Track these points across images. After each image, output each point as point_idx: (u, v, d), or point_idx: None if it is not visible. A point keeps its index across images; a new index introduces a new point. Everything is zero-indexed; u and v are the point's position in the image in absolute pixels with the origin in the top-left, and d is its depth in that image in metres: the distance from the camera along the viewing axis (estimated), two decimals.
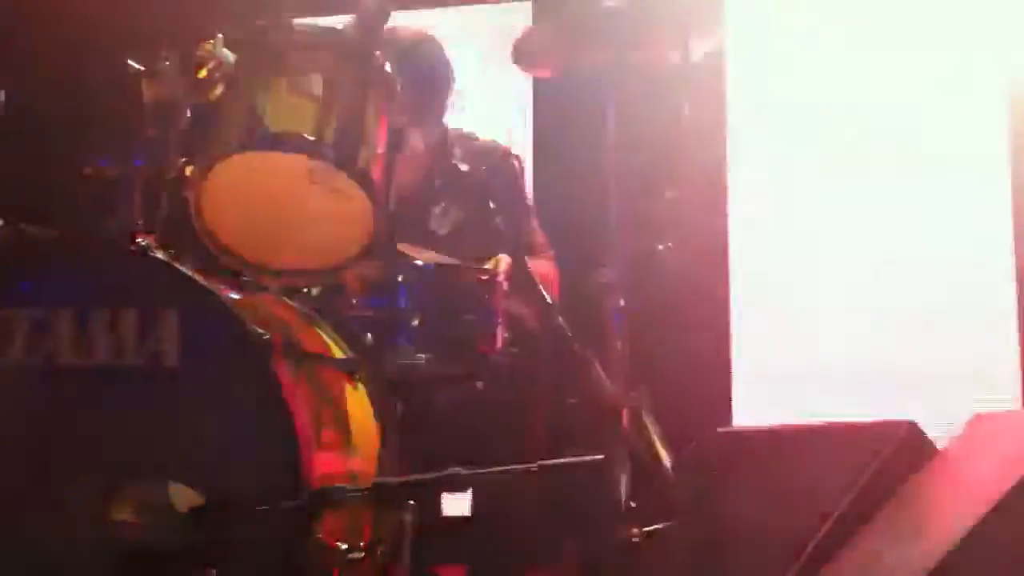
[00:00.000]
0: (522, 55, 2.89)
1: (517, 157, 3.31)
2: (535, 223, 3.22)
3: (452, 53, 3.59)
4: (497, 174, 3.19)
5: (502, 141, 3.40)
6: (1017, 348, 4.39)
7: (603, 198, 2.70)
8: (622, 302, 2.61)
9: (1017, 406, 4.27)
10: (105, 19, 4.58)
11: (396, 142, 2.48)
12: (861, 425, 3.36)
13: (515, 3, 4.90)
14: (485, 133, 3.44)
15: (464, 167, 3.30)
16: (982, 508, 2.63)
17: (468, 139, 3.37)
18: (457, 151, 3.32)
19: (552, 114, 4.65)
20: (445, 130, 3.26)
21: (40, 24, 4.50)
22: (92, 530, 2.03)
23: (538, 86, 4.75)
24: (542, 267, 2.99)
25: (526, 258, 2.65)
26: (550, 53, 2.83)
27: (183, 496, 2.06)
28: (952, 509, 2.79)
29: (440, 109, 3.24)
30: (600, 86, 2.80)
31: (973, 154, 4.53)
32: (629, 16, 2.66)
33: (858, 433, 3.23)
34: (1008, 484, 2.65)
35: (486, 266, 2.73)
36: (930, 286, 4.50)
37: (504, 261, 2.76)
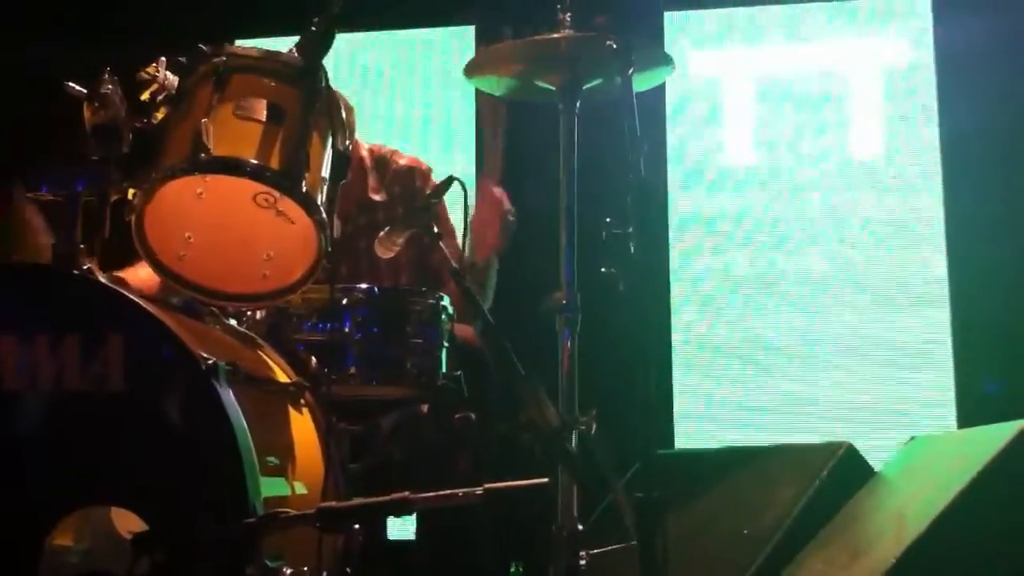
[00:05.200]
0: (475, 72, 2.91)
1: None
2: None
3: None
4: (415, 196, 3.21)
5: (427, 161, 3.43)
6: (953, 373, 4.47)
7: (553, 221, 2.73)
8: (571, 325, 2.64)
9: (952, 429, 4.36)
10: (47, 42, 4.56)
11: (340, 167, 2.48)
12: (801, 447, 3.42)
13: (459, 28, 4.94)
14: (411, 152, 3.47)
15: (377, 197, 3.31)
16: (919, 527, 2.68)
17: (387, 160, 3.37)
18: (372, 179, 3.33)
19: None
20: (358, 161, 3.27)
21: None
22: (34, 557, 2.01)
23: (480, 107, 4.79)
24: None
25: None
26: (504, 70, 2.86)
27: (126, 521, 2.04)
28: (890, 529, 2.83)
29: None
30: (548, 109, 2.84)
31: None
32: (578, 43, 2.70)
33: (798, 455, 3.28)
34: (942, 504, 2.70)
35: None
36: (868, 313, 4.58)
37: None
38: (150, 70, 2.44)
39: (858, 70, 4.71)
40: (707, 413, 4.65)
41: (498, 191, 3.14)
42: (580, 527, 2.55)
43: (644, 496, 2.15)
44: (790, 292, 4.66)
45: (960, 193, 4.54)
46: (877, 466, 3.23)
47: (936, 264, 4.54)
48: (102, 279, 2.24)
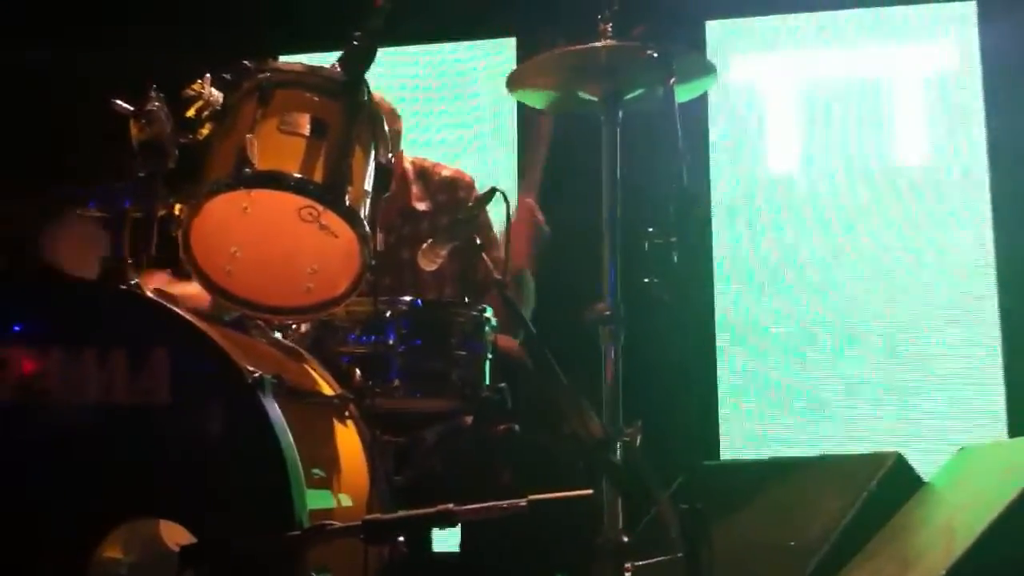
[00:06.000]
0: (518, 83, 2.92)
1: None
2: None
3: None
4: (458, 207, 3.22)
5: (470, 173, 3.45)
6: (1003, 383, 4.42)
7: (595, 232, 2.73)
8: (614, 336, 2.63)
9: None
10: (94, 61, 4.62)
11: (383, 179, 2.50)
12: (849, 457, 3.39)
13: (501, 40, 4.95)
14: (455, 164, 3.49)
15: (422, 206, 3.33)
16: (968, 539, 2.65)
17: (429, 172, 3.39)
18: (416, 189, 3.35)
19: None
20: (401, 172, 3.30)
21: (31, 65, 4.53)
22: (83, 569, 2.03)
23: (523, 120, 4.80)
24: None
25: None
26: (546, 82, 2.86)
27: (174, 534, 2.06)
28: (939, 541, 2.80)
29: None
30: (589, 121, 2.84)
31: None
32: (619, 53, 2.69)
33: (846, 466, 3.25)
34: (992, 516, 2.66)
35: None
36: (917, 322, 4.53)
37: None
38: (195, 87, 2.47)
39: (902, 77, 4.67)
40: (753, 423, 4.62)
41: (530, 202, 3.15)
42: (625, 539, 2.54)
43: (689, 508, 2.14)
44: (836, 301, 4.62)
45: (1007, 199, 4.49)
46: (926, 476, 3.19)
47: (985, 272, 4.49)
48: (149, 293, 2.26)
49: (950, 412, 4.42)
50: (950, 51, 4.65)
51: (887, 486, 3.08)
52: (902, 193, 4.61)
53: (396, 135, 3.17)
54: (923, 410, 4.45)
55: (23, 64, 4.39)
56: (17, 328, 2.14)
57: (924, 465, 3.25)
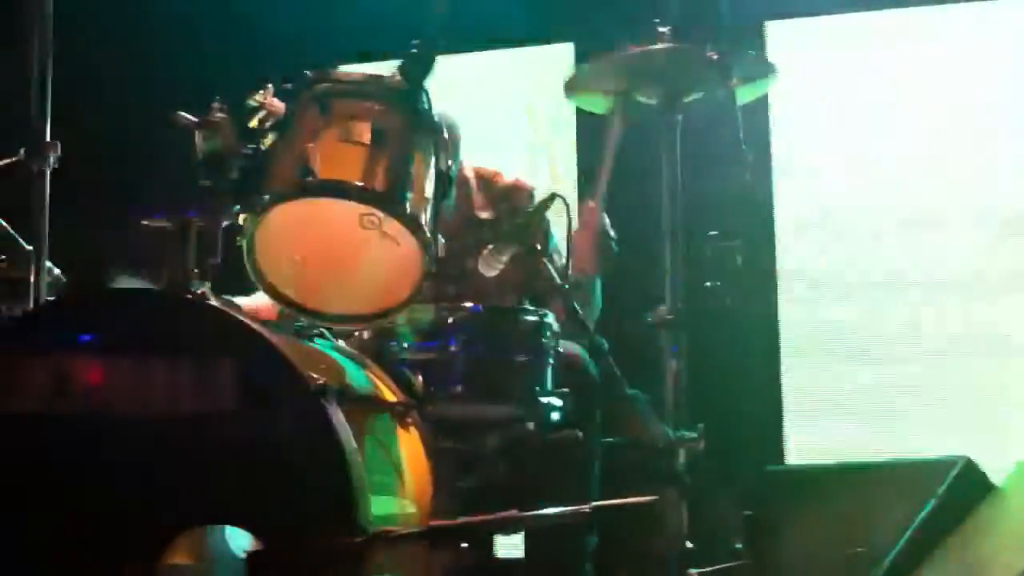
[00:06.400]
0: (575, 88, 2.91)
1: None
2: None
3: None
4: (520, 214, 3.22)
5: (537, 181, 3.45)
6: None
7: (657, 235, 2.71)
8: (676, 340, 2.61)
9: None
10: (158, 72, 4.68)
11: (444, 186, 2.50)
12: (918, 462, 3.34)
13: (558, 44, 4.94)
14: (514, 173, 3.49)
15: (484, 214, 3.33)
16: None
17: (490, 180, 3.40)
18: (478, 198, 3.36)
19: (597, 155, 4.68)
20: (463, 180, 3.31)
21: (96, 78, 4.59)
22: None
23: (582, 126, 4.79)
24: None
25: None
26: (604, 86, 2.85)
27: (240, 541, 2.08)
28: (1009, 547, 2.75)
29: None
30: (646, 125, 2.83)
31: None
32: (678, 56, 2.68)
33: (915, 470, 3.20)
34: None
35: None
36: (986, 322, 4.45)
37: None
38: (258, 97, 2.50)
39: (966, 75, 4.59)
40: (819, 428, 4.56)
41: (593, 208, 3.13)
42: (689, 545, 2.52)
43: (754, 514, 2.12)
44: (904, 302, 4.55)
45: None
46: (997, 481, 3.13)
47: None
48: (214, 303, 2.29)
49: (1022, 415, 4.33)
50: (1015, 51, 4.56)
51: (956, 491, 3.03)
52: (967, 192, 4.53)
53: (455, 145, 3.18)
54: (993, 414, 4.37)
55: (88, 76, 4.46)
56: (84, 339, 2.17)
57: (995, 470, 3.19)
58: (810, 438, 4.55)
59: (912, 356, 4.51)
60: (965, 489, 3.05)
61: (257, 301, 2.67)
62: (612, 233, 3.15)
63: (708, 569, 2.52)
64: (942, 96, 4.60)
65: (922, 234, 4.56)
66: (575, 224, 2.76)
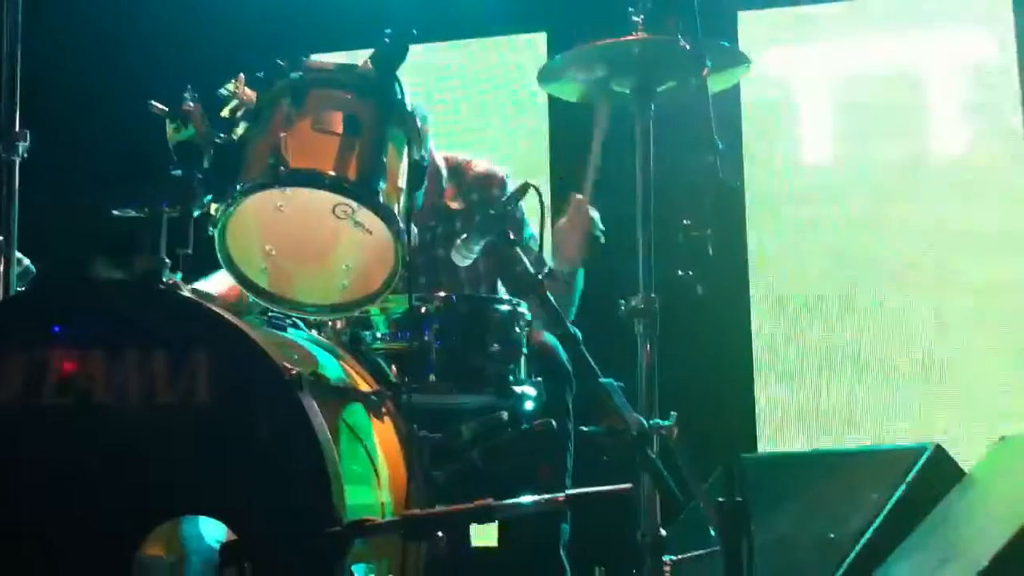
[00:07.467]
0: (550, 77, 2.91)
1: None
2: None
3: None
4: (492, 203, 3.21)
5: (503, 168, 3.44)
6: None
7: (629, 225, 2.72)
8: (649, 329, 2.62)
9: None
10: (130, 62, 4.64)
11: (416, 176, 2.50)
12: (888, 449, 3.37)
13: (531, 35, 4.94)
14: (491, 160, 3.48)
15: (455, 204, 3.33)
16: (1010, 530, 2.62)
17: (462, 169, 3.39)
18: (449, 187, 3.35)
19: (569, 143, 4.69)
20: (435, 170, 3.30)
21: (68, 68, 4.56)
22: (125, 568, 2.04)
23: (554, 114, 4.79)
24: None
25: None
26: (578, 75, 2.85)
27: (215, 532, 2.07)
28: (981, 532, 2.78)
29: None
30: (621, 113, 2.83)
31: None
32: (651, 46, 2.69)
33: (885, 457, 3.23)
34: None
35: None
36: (955, 311, 4.49)
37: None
38: (230, 86, 2.48)
39: (936, 66, 4.62)
40: (790, 415, 4.59)
41: (583, 202, 3.13)
42: (663, 533, 2.54)
43: (728, 501, 2.13)
44: (871, 291, 4.58)
45: None
46: (966, 467, 3.16)
47: (1020, 261, 4.44)
48: (187, 293, 2.28)
49: (991, 402, 4.38)
50: (985, 38, 4.59)
51: (926, 477, 3.06)
52: (935, 182, 4.57)
53: (424, 135, 3.18)
54: (964, 401, 4.41)
55: (60, 66, 4.42)
56: (57, 329, 2.16)
57: (965, 456, 3.23)
58: (782, 425, 4.59)
59: (887, 344, 4.55)
60: (935, 476, 3.08)
61: (217, 284, 2.66)
62: (601, 226, 3.16)
63: (682, 556, 2.54)
64: (916, 84, 4.63)
65: (894, 218, 4.59)
66: (547, 211, 2.76)
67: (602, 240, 3.15)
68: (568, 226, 3.12)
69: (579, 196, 3.12)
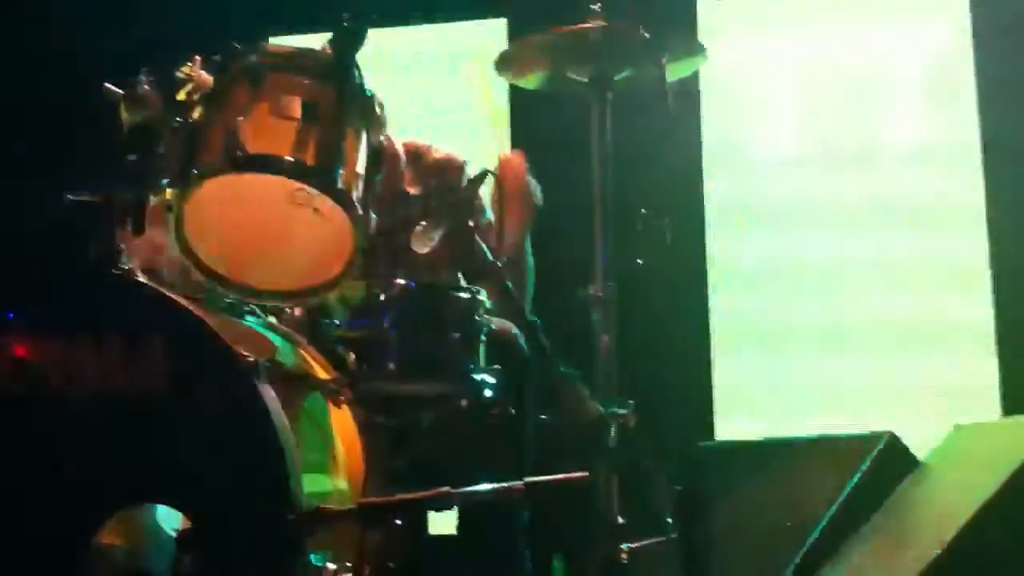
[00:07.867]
0: (508, 65, 2.90)
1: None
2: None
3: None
4: (451, 189, 3.19)
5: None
6: (997, 360, 4.43)
7: (587, 213, 2.72)
8: (607, 316, 2.63)
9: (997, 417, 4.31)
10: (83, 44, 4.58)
11: (375, 162, 2.49)
12: (843, 437, 3.39)
13: (490, 20, 4.93)
14: (445, 147, 3.46)
15: (414, 190, 3.31)
16: (964, 517, 2.65)
17: (420, 155, 3.38)
18: (408, 173, 3.34)
19: (529, 130, 4.68)
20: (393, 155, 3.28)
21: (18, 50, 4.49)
22: (80, 556, 2.02)
23: (515, 101, 4.79)
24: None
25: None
26: (536, 63, 2.84)
27: (171, 520, 2.06)
28: (934, 520, 2.81)
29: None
30: (578, 101, 2.83)
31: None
32: (609, 34, 2.69)
33: (840, 445, 3.25)
34: (989, 493, 2.67)
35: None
36: (909, 298, 4.53)
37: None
38: (186, 69, 2.45)
39: (895, 55, 4.66)
40: (747, 404, 4.62)
41: (516, 159, 3.10)
42: (620, 520, 2.54)
43: (684, 488, 2.14)
44: (828, 277, 4.62)
45: (1001, 175, 4.49)
46: (920, 455, 3.19)
47: (978, 248, 4.49)
48: (143, 279, 2.25)
49: (944, 391, 4.43)
50: (943, 28, 4.63)
51: (881, 466, 3.08)
52: (893, 173, 4.61)
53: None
54: (917, 389, 4.46)
55: (9, 48, 4.36)
56: (11, 315, 2.13)
57: (919, 444, 3.25)
58: (738, 414, 4.62)
59: (842, 334, 4.58)
60: (889, 464, 3.11)
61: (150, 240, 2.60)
62: (535, 182, 3.14)
63: (639, 544, 2.55)
64: (875, 74, 4.67)
65: (853, 211, 4.63)
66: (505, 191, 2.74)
67: (539, 197, 3.13)
68: (509, 204, 3.07)
69: (511, 153, 3.10)
